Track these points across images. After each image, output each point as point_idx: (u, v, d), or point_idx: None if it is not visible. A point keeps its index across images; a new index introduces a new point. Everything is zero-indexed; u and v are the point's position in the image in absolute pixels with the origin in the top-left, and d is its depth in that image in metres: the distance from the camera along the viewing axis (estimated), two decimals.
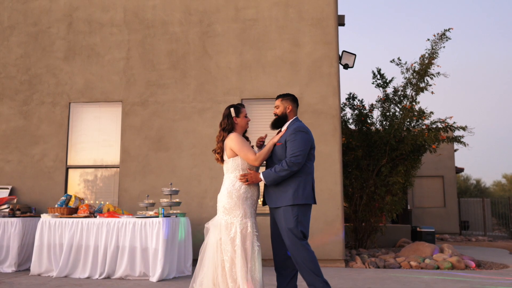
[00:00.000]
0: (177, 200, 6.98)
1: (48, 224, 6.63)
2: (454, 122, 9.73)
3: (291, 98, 4.47)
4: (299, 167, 4.12)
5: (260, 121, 7.95)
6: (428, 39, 9.92)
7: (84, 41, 8.49)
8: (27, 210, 7.60)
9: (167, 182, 7.70)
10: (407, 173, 9.71)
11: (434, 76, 9.84)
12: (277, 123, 4.44)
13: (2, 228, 6.99)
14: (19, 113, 8.39)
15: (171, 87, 8.21)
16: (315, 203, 4.27)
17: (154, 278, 6.08)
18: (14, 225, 7.00)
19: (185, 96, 8.17)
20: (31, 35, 8.59)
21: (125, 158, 8.11)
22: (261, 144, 4.52)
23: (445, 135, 9.72)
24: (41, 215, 6.80)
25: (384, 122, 10.04)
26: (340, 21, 8.69)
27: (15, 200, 7.86)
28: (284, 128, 4.38)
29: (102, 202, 7.91)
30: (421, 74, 9.78)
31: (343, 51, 8.61)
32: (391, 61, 10.22)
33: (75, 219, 6.59)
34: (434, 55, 9.81)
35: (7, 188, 8.12)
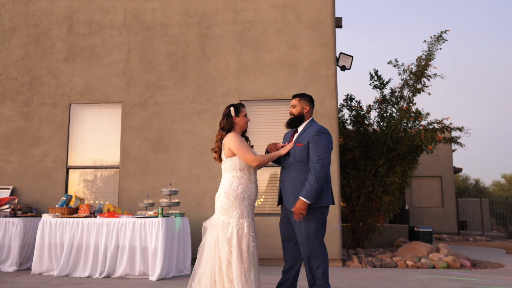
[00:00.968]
0: (176, 200, 7.08)
1: (49, 224, 6.72)
2: (451, 123, 9.83)
3: (309, 99, 4.46)
4: (327, 170, 4.11)
5: (258, 122, 8.05)
6: (425, 41, 10.02)
7: (84, 43, 8.58)
8: (28, 210, 7.69)
9: (167, 182, 7.79)
10: (404, 174, 9.80)
11: (431, 78, 9.93)
12: (293, 123, 4.40)
13: (3, 228, 7.08)
14: (20, 114, 8.48)
15: (170, 88, 8.31)
16: (333, 203, 4.30)
17: (153, 277, 6.17)
18: (15, 225, 7.09)
19: (184, 97, 8.26)
20: (32, 37, 8.69)
21: (125, 158, 8.20)
22: (276, 147, 4.45)
23: (441, 136, 9.82)
24: (42, 215, 6.89)
25: (381, 123, 10.13)
26: (338, 23, 8.79)
27: (16, 200, 7.95)
28: (300, 128, 4.37)
29: (102, 202, 8.00)
30: (418, 75, 9.87)
31: (341, 53, 8.71)
32: (388, 63, 10.31)
33: (75, 219, 6.68)
34: (431, 57, 9.90)
35: (8, 189, 8.21)
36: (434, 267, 7.58)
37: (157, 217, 6.50)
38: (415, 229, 12.16)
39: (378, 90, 10.35)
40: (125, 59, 8.47)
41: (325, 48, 8.18)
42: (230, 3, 8.47)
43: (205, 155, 7.96)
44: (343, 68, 8.71)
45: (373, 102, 10.38)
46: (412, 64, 10.11)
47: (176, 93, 8.28)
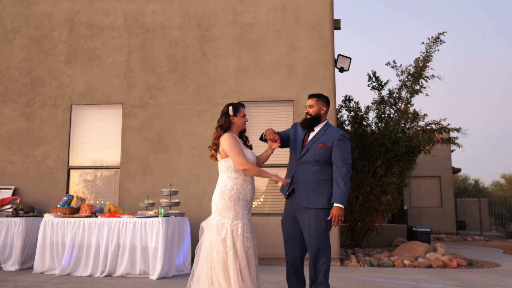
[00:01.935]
0: (176, 200, 7.18)
1: (50, 223, 6.81)
2: (448, 124, 9.92)
3: (326, 100, 4.49)
4: (350, 174, 4.25)
5: (257, 123, 8.14)
6: (423, 43, 10.11)
7: (85, 44, 8.67)
8: (29, 210, 7.79)
9: (167, 182, 7.89)
10: (402, 174, 9.89)
11: (429, 79, 10.02)
12: (311, 123, 4.42)
13: (5, 228, 7.18)
14: (22, 115, 8.58)
15: (170, 89, 8.40)
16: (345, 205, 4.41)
17: (154, 276, 6.27)
18: (17, 224, 7.19)
19: (184, 98, 8.35)
20: (34, 39, 8.78)
21: (125, 159, 8.30)
22: (272, 138, 4.40)
23: (439, 136, 9.90)
24: (44, 215, 6.99)
25: (379, 124, 10.23)
26: (336, 25, 8.89)
27: (18, 200, 8.04)
28: (317, 129, 4.41)
29: (103, 202, 8.10)
30: (415, 76, 9.96)
31: (339, 54, 8.80)
32: (386, 64, 10.40)
33: (77, 219, 6.77)
34: (429, 58, 9.99)
35: (10, 189, 8.30)
36: (431, 266, 7.67)
37: (157, 217, 6.60)
38: (414, 229, 12.26)
39: (376, 91, 10.45)
40: (126, 60, 8.56)
41: (324, 50, 8.27)
42: (230, 5, 8.56)
43: (205, 156, 8.05)
44: (342, 70, 8.80)
45: (371, 103, 10.48)
46: (410, 65, 10.22)
47: (176, 94, 8.38)
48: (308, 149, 4.33)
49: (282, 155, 7.96)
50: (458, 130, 9.92)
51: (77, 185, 8.45)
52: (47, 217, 6.89)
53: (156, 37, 8.58)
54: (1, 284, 5.83)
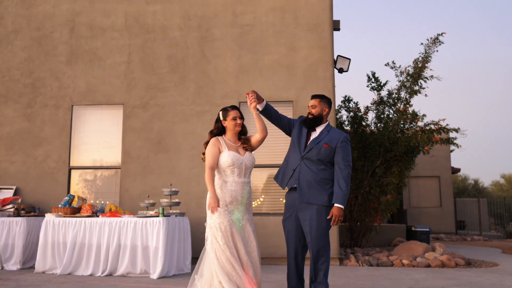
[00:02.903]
0: (177, 200, 7.23)
1: (52, 223, 6.86)
2: (447, 124, 9.98)
3: (328, 101, 4.59)
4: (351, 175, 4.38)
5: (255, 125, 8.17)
6: (422, 43, 10.17)
7: (86, 45, 8.72)
8: (31, 210, 7.83)
9: (167, 182, 7.94)
10: (401, 174, 9.95)
11: (428, 79, 10.07)
12: (312, 123, 4.51)
13: (7, 227, 7.23)
14: (23, 115, 8.63)
15: (170, 90, 8.45)
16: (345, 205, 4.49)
17: (154, 275, 6.32)
18: (19, 224, 7.24)
19: (184, 99, 8.41)
20: (35, 40, 8.83)
21: (126, 159, 8.35)
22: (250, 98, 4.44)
23: (438, 137, 9.96)
24: (45, 215, 7.04)
25: (378, 124, 10.28)
26: (335, 26, 8.93)
27: (20, 200, 8.09)
28: (319, 129, 4.49)
29: (103, 202, 8.15)
30: (414, 77, 10.01)
31: (338, 55, 8.85)
32: (385, 65, 10.46)
33: (78, 219, 6.82)
34: (428, 59, 10.05)
35: (12, 189, 8.35)
36: (429, 266, 7.72)
37: (158, 216, 6.65)
38: (413, 228, 12.30)
39: (375, 91, 10.51)
40: (126, 61, 8.61)
41: (323, 51, 8.32)
42: (230, 6, 8.61)
43: None
44: (341, 71, 8.85)
45: (371, 104, 10.54)
46: (409, 66, 10.27)
47: (176, 95, 8.43)
48: (312, 148, 4.40)
49: (282, 155, 8.01)
50: (457, 130, 9.99)
51: (78, 185, 8.50)
52: (49, 217, 6.94)
53: (156, 38, 8.63)
54: (3, 283, 5.88)
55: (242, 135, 4.51)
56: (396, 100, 10.20)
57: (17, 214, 7.44)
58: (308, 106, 4.59)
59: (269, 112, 4.63)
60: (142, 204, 7.21)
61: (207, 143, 4.36)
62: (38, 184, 8.41)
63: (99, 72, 8.62)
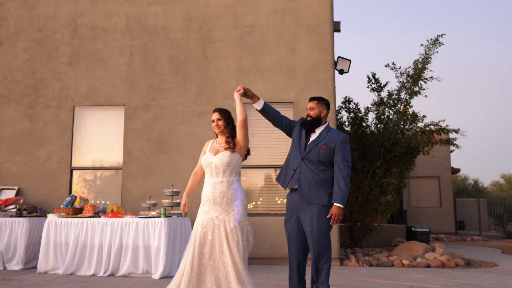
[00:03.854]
0: (178, 200, 7.28)
1: (54, 223, 6.91)
2: (447, 125, 10.03)
3: (326, 103, 4.63)
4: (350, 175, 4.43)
5: (258, 125, 8.25)
6: (422, 45, 10.20)
7: (88, 46, 8.77)
8: (33, 210, 7.88)
9: (168, 183, 7.99)
10: (401, 175, 10.00)
11: (428, 80, 10.11)
12: (311, 125, 4.55)
13: (9, 228, 7.28)
14: (25, 116, 8.67)
15: (172, 91, 8.50)
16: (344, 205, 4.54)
17: (156, 275, 6.37)
18: (21, 224, 7.28)
19: (185, 100, 8.45)
20: (37, 41, 8.87)
21: (127, 160, 8.39)
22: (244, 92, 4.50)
23: (438, 137, 10.01)
24: (48, 215, 7.08)
25: (378, 125, 10.32)
26: (336, 27, 8.98)
27: (22, 200, 8.14)
28: (318, 131, 4.53)
29: (105, 203, 8.20)
30: (414, 78, 10.05)
31: (339, 57, 8.90)
32: (385, 66, 10.50)
33: (80, 219, 6.87)
34: (428, 60, 10.08)
35: (14, 189, 8.40)
36: (429, 266, 7.76)
37: (159, 217, 6.69)
38: (413, 229, 12.34)
39: (375, 92, 10.55)
40: (128, 62, 8.66)
41: (324, 52, 8.37)
42: (231, 8, 8.66)
43: None
44: (341, 72, 8.90)
45: (371, 105, 10.58)
46: (409, 67, 10.31)
47: (178, 96, 8.47)
48: (311, 149, 4.46)
49: (283, 156, 8.07)
50: (456, 131, 10.04)
51: (80, 186, 8.55)
52: (51, 217, 6.98)
53: (158, 39, 8.68)
54: (6, 283, 5.93)
55: (231, 138, 4.39)
56: (396, 101, 10.24)
57: (19, 214, 7.48)
58: (307, 109, 4.65)
59: (268, 112, 4.68)
60: (144, 205, 7.26)
61: None
62: (40, 184, 8.46)
63: (100, 73, 8.67)
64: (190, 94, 8.47)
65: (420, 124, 10.05)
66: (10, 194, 8.35)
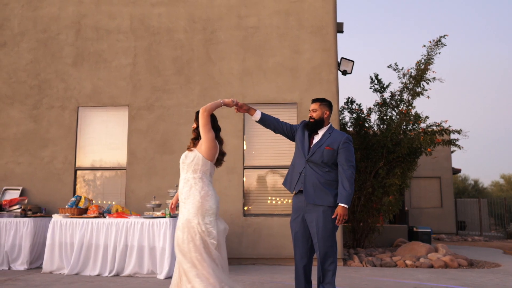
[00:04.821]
0: None
1: (59, 224, 6.94)
2: (449, 126, 10.06)
3: (329, 104, 4.67)
4: (354, 175, 4.46)
5: (261, 126, 8.26)
6: (424, 45, 10.23)
7: (92, 47, 8.80)
8: (37, 210, 7.91)
9: (172, 183, 8.01)
10: (403, 175, 10.03)
11: (430, 81, 10.14)
12: (314, 127, 4.59)
13: (14, 228, 7.31)
14: (29, 116, 8.70)
15: (176, 92, 8.52)
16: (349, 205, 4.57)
17: (161, 275, 6.40)
18: (26, 224, 7.32)
19: (189, 100, 8.48)
20: (41, 42, 8.90)
21: (131, 160, 8.42)
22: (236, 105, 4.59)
23: (440, 138, 10.04)
24: (53, 215, 7.11)
25: (381, 126, 10.35)
26: (339, 28, 8.99)
27: (26, 200, 8.16)
28: (321, 132, 4.57)
29: (110, 203, 8.23)
30: (417, 79, 10.08)
31: (342, 58, 8.92)
32: (388, 67, 10.52)
33: (85, 219, 6.90)
34: (430, 61, 10.11)
35: (18, 189, 8.42)
36: (432, 266, 7.79)
37: (164, 217, 6.73)
38: (414, 229, 12.38)
39: (378, 93, 10.58)
40: (132, 63, 8.68)
41: (327, 53, 8.40)
42: (234, 9, 8.69)
43: None
44: (344, 73, 8.92)
45: (373, 105, 10.60)
46: (411, 68, 10.34)
47: (182, 97, 8.50)
48: (315, 151, 4.49)
49: (287, 156, 8.10)
50: (459, 132, 10.07)
51: (84, 186, 8.58)
52: (56, 217, 7.01)
53: (161, 40, 8.71)
54: (12, 283, 5.96)
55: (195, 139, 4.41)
56: (398, 102, 10.27)
57: (24, 214, 7.51)
58: (309, 110, 4.68)
59: (266, 122, 4.74)
60: (149, 205, 7.29)
61: None
62: (44, 185, 8.48)
63: (104, 74, 8.69)
64: (194, 95, 8.50)
65: (422, 125, 10.08)
66: (14, 194, 8.38)
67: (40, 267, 7.26)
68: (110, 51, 8.76)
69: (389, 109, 10.39)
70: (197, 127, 4.36)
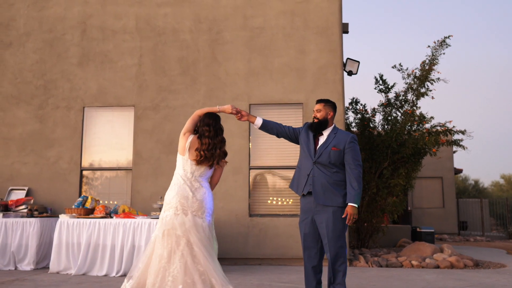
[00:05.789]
0: None
1: (66, 224, 6.94)
2: (454, 126, 10.08)
3: (333, 105, 4.69)
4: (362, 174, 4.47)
5: None
6: (429, 46, 10.24)
7: (97, 47, 8.80)
8: (43, 211, 7.91)
9: None
10: (408, 175, 10.04)
11: (434, 82, 10.15)
12: (318, 127, 4.60)
13: (21, 228, 7.31)
14: (35, 117, 8.70)
15: (181, 92, 8.53)
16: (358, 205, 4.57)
17: None
18: (32, 225, 7.31)
19: (195, 101, 8.49)
20: (46, 42, 8.90)
21: (137, 160, 8.43)
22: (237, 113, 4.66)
23: (445, 138, 10.05)
24: (59, 216, 7.12)
25: (386, 126, 10.35)
26: (344, 29, 9.00)
27: (32, 200, 8.17)
28: (326, 133, 4.58)
29: (116, 203, 8.23)
30: (421, 79, 10.09)
31: (348, 58, 8.93)
32: (392, 67, 10.53)
33: (92, 220, 6.91)
34: (435, 61, 10.12)
35: (24, 189, 8.43)
36: (438, 267, 7.81)
37: None
38: (418, 229, 12.41)
39: (383, 94, 10.58)
40: (138, 63, 8.69)
41: (332, 54, 8.40)
42: (240, 10, 8.70)
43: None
44: (350, 73, 8.94)
45: (378, 106, 10.61)
46: (416, 68, 10.35)
47: (187, 97, 8.51)
48: (322, 153, 4.50)
49: (292, 157, 8.11)
50: (463, 132, 10.09)
51: (90, 186, 8.58)
52: (63, 217, 7.01)
53: (167, 40, 8.71)
54: (20, 284, 5.96)
55: None
56: (403, 102, 10.28)
57: (30, 215, 7.52)
58: (314, 111, 4.70)
59: (268, 127, 4.80)
60: (155, 205, 7.29)
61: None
62: (50, 185, 8.49)
63: (110, 74, 8.70)
64: (199, 95, 8.50)
65: (426, 125, 10.09)
66: (20, 194, 8.38)
67: (46, 267, 7.27)
68: (116, 52, 8.76)
69: (393, 110, 10.41)
70: None
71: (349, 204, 4.36)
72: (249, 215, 8.16)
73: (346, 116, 10.89)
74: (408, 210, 15.38)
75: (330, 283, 4.47)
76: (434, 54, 10.17)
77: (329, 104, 4.68)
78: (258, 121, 4.74)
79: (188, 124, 4.39)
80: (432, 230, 12.33)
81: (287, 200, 8.30)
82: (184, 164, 4.32)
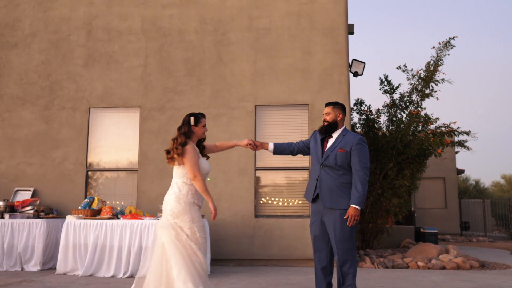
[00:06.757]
0: None
1: (73, 225, 6.95)
2: (458, 127, 10.09)
3: (342, 107, 4.68)
4: (368, 176, 4.47)
5: (272, 127, 8.34)
6: (434, 47, 10.24)
7: (103, 48, 8.80)
8: (49, 211, 7.91)
9: None
10: (412, 176, 10.04)
11: (439, 83, 10.16)
12: (328, 130, 4.60)
13: (27, 229, 7.31)
14: (41, 117, 8.70)
15: (187, 93, 8.53)
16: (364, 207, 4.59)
17: None
18: (39, 225, 7.31)
19: (200, 102, 8.49)
20: (52, 43, 8.91)
21: (143, 161, 8.43)
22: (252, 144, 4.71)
23: (449, 139, 10.06)
24: (66, 217, 7.12)
25: (390, 127, 10.35)
26: (349, 29, 9.02)
27: (38, 201, 8.17)
28: (335, 135, 4.58)
29: (123, 204, 8.23)
30: (426, 80, 10.09)
31: (353, 59, 8.94)
32: (397, 68, 10.53)
33: (99, 221, 6.91)
34: (439, 62, 10.13)
35: (30, 190, 8.44)
36: (444, 268, 7.81)
37: None
38: (421, 230, 12.42)
39: (387, 95, 10.58)
40: (143, 64, 8.69)
41: (338, 55, 8.41)
42: (246, 11, 8.70)
43: (221, 159, 8.18)
44: (356, 74, 8.94)
45: (383, 107, 10.61)
46: (421, 69, 10.34)
47: (193, 98, 8.51)
48: (329, 155, 4.51)
49: (298, 158, 8.11)
50: (468, 133, 10.09)
51: (95, 187, 8.59)
52: (70, 218, 7.02)
53: (173, 41, 8.72)
54: (28, 285, 5.97)
55: (203, 142, 4.58)
56: (408, 103, 10.28)
57: (36, 215, 7.52)
58: (323, 114, 4.71)
59: (281, 149, 4.88)
60: (161, 207, 7.28)
61: (181, 144, 4.31)
62: (56, 186, 8.49)
63: (116, 75, 8.70)
64: (205, 96, 8.51)
65: (431, 126, 10.09)
66: (26, 195, 8.38)
67: (52, 268, 7.27)
68: (121, 52, 8.77)
69: (398, 111, 10.41)
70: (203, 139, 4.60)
71: (351, 205, 4.36)
72: (254, 216, 8.17)
73: (351, 117, 10.89)
74: (412, 211, 15.38)
75: (340, 285, 4.47)
76: (439, 55, 10.17)
77: (338, 106, 4.68)
78: (270, 147, 4.85)
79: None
80: (436, 231, 12.34)
81: (293, 201, 8.30)
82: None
